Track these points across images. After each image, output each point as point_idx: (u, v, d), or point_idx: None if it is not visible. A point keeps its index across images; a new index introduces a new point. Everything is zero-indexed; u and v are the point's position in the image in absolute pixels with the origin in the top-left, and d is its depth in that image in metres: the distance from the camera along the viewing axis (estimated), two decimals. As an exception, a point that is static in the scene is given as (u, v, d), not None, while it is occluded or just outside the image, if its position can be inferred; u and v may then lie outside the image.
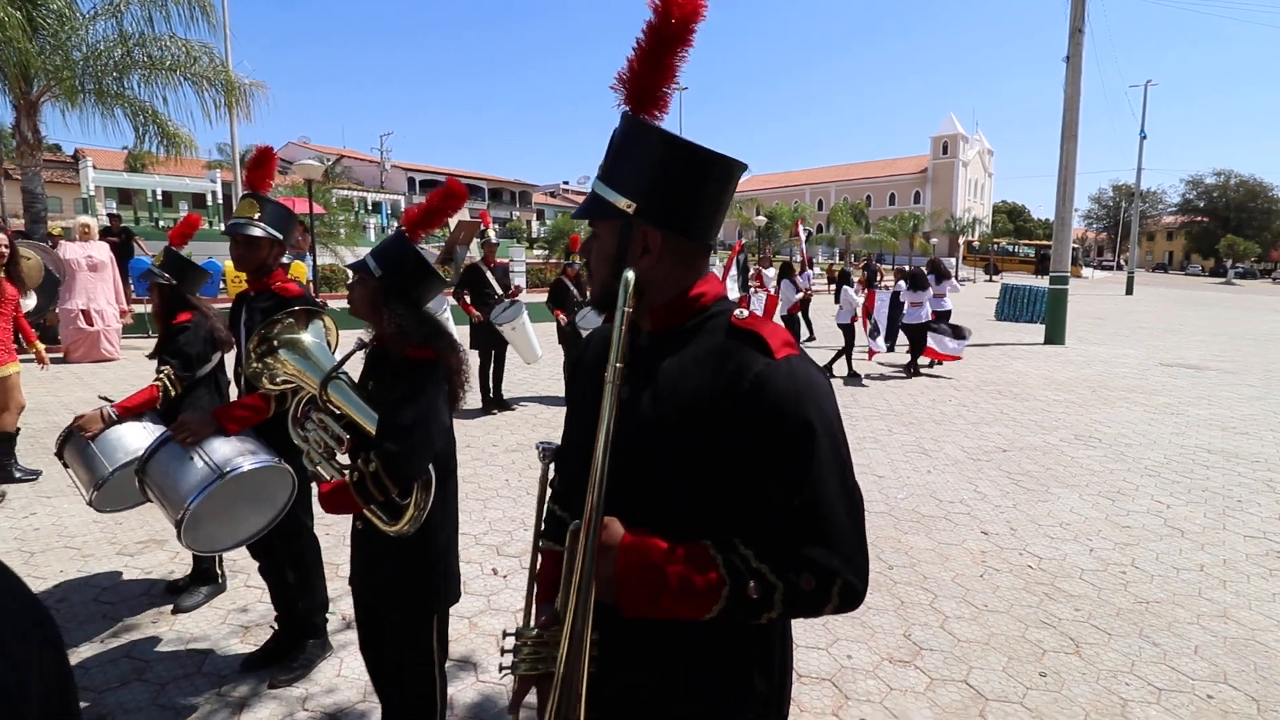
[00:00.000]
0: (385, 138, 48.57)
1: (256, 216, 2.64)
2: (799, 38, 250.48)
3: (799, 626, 3.21)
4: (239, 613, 3.26)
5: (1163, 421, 7.33)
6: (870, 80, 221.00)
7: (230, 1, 19.58)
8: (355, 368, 2.07)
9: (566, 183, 66.23)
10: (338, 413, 1.98)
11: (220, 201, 31.18)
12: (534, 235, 42.10)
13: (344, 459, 2.02)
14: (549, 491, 1.24)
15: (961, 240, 51.14)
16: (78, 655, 2.88)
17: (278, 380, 2.29)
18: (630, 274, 1.00)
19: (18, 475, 4.87)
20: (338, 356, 2.10)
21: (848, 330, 9.72)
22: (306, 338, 2.24)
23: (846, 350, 9.70)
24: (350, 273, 1.98)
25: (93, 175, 33.42)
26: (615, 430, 0.97)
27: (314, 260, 13.16)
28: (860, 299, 9.93)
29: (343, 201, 29.53)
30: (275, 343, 2.24)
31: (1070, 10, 13.56)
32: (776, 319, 10.98)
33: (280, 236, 2.69)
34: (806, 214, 44.63)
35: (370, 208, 43.63)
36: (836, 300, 10.26)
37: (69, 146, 36.20)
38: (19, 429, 5.00)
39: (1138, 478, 5.45)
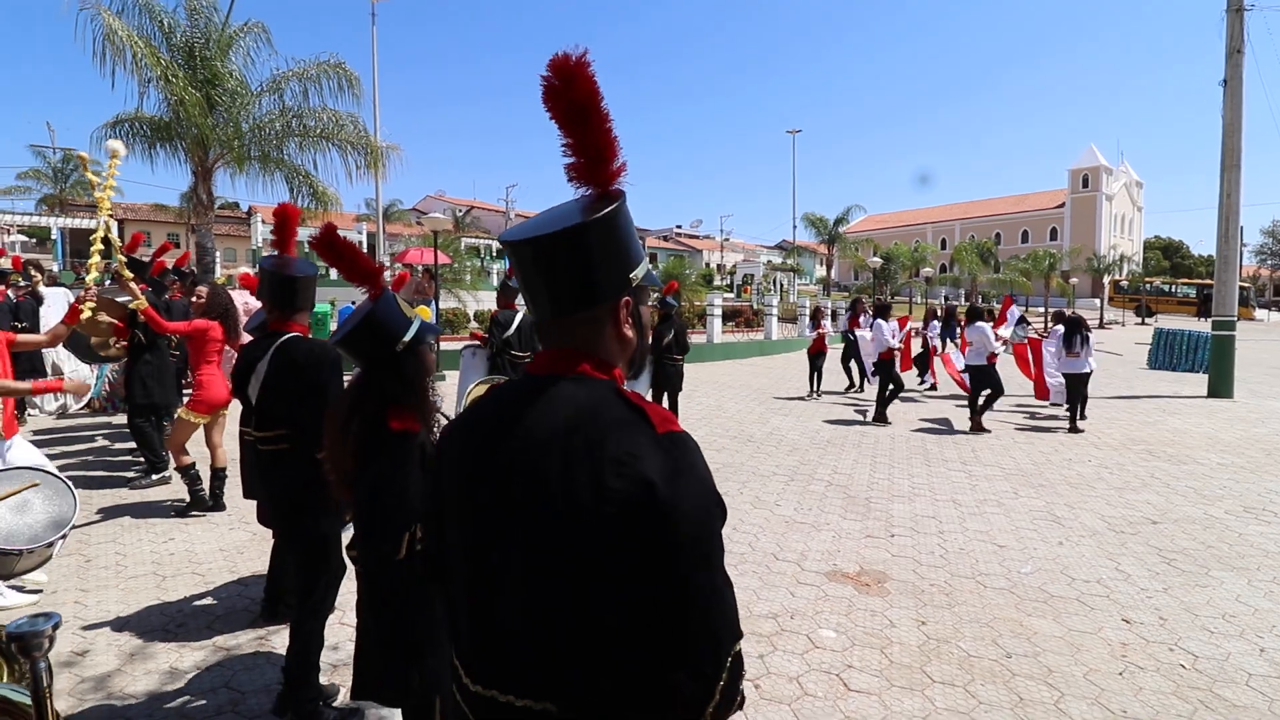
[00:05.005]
0: (510, 189, 51.34)
1: None
2: (919, 74, 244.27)
3: (898, 716, 2.89)
4: (329, 650, 3.36)
5: (1362, 495, 6.20)
6: (998, 116, 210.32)
7: (381, 68, 21.75)
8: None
9: (679, 226, 66.79)
10: None
11: (366, 250, 34.75)
12: (647, 279, 42.88)
13: None
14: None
15: (1107, 279, 46.83)
16: (184, 679, 3.08)
17: None
18: None
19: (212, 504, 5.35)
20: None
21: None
22: None
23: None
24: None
25: (261, 229, 37.85)
26: None
27: (437, 305, 14.03)
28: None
29: (470, 249, 31.60)
30: None
31: (1226, 31, 12.32)
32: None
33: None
34: (928, 254, 42.19)
35: (495, 254, 46.29)
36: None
37: (243, 204, 41.31)
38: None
39: (1328, 563, 4.60)
